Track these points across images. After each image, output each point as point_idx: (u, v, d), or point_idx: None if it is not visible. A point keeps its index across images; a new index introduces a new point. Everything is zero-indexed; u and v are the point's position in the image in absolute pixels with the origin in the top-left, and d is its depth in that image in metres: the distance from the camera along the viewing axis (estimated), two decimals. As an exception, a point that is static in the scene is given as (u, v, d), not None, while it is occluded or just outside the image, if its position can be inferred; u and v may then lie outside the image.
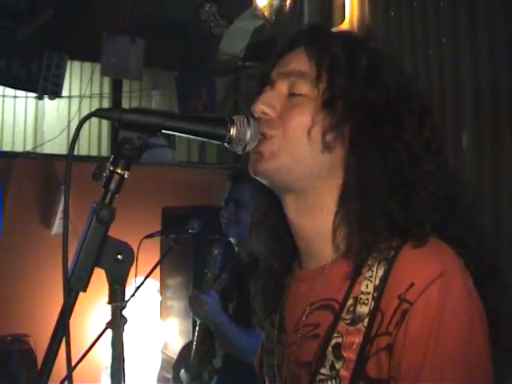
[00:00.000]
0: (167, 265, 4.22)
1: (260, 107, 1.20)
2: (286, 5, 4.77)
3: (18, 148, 5.76)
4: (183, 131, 1.12)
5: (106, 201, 1.00)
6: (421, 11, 4.06)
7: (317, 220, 1.21)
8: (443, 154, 1.22)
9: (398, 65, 1.27)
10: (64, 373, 1.01)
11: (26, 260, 4.38)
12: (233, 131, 1.13)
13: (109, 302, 0.99)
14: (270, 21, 4.81)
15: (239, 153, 1.16)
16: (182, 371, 2.99)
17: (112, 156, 1.02)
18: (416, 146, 1.16)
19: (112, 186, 1.00)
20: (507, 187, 3.46)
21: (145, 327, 4.29)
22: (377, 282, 1.12)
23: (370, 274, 1.13)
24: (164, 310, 4.38)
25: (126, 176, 1.01)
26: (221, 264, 2.93)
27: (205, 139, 1.13)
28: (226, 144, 1.14)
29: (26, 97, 5.79)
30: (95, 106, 6.22)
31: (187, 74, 5.37)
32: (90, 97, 6.02)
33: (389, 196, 1.14)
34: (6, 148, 5.60)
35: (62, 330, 0.95)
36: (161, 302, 4.40)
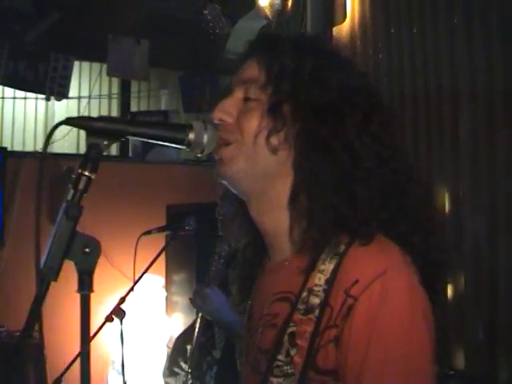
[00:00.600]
0: (172, 261, 4.33)
1: (217, 115, 1.31)
2: (288, 4, 4.84)
3: (29, 147, 5.88)
4: (145, 136, 1.23)
5: (75, 200, 1.09)
6: (418, 8, 4.13)
7: (275, 218, 1.29)
8: (396, 147, 1.28)
9: (347, 64, 1.34)
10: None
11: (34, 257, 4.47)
12: (191, 136, 1.23)
13: (78, 291, 1.08)
14: (273, 20, 4.88)
15: (199, 155, 1.26)
16: (180, 361, 3.07)
17: (81, 160, 1.11)
18: (358, 143, 1.22)
19: (80, 187, 1.09)
20: (502, 181, 3.53)
21: (151, 322, 4.38)
22: (328, 275, 1.19)
23: (323, 267, 1.20)
24: (169, 306, 4.47)
25: (92, 177, 1.10)
26: (225, 260, 2.99)
27: (167, 143, 1.23)
28: (185, 148, 1.23)
29: (36, 98, 5.91)
30: (104, 106, 6.33)
31: (193, 73, 5.46)
32: (99, 97, 6.13)
33: (335, 193, 1.20)
34: (17, 148, 5.71)
35: (34, 317, 1.03)
36: (166, 297, 4.50)
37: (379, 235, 1.20)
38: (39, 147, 5.72)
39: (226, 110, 1.31)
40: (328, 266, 1.20)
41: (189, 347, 3.10)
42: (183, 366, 3.10)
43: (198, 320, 2.97)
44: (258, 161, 1.26)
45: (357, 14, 4.72)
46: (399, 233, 1.22)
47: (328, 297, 1.17)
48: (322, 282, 1.19)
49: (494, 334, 3.83)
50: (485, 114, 3.67)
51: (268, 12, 4.84)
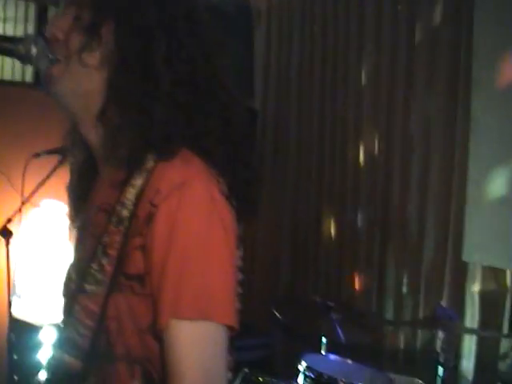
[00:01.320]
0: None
1: (49, 29, 1.36)
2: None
3: None
4: None
5: None
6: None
7: (97, 134, 1.39)
8: (218, 76, 1.37)
9: None
10: None
11: None
12: (21, 48, 1.26)
13: None
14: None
15: (32, 66, 1.29)
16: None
17: None
18: (167, 67, 1.30)
19: None
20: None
21: (53, 249, 4.40)
22: (137, 190, 1.29)
23: (134, 182, 1.30)
24: (72, 234, 4.48)
25: None
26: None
27: None
28: (16, 58, 1.27)
29: None
30: (20, 29, 6.16)
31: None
32: (15, 20, 5.95)
33: (141, 112, 1.29)
34: None
35: None
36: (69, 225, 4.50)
37: (185, 150, 1.29)
38: None
39: (58, 26, 1.36)
40: (138, 181, 1.29)
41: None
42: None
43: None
44: (78, 79, 1.34)
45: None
46: (203, 148, 1.31)
47: (136, 209, 1.27)
48: (132, 196, 1.29)
49: (383, 274, 4.01)
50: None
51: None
